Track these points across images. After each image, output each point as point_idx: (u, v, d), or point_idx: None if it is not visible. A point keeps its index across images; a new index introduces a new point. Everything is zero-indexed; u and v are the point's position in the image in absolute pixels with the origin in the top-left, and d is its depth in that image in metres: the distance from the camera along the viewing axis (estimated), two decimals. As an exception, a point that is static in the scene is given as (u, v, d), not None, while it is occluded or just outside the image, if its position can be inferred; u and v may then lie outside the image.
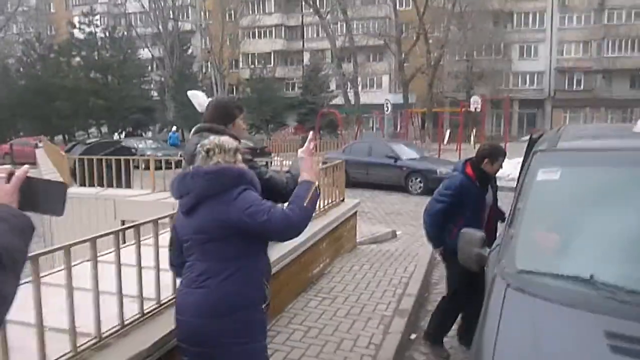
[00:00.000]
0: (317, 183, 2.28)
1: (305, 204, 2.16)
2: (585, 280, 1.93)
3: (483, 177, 3.68)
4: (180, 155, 7.19)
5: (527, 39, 40.30)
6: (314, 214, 5.63)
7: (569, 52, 40.41)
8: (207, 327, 2.15)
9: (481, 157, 3.66)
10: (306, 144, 2.74)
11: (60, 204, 1.07)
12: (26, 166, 1.11)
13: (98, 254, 3.00)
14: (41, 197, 1.06)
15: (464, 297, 3.81)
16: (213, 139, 2.24)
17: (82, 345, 2.44)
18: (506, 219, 2.78)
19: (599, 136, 3.07)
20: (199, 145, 2.24)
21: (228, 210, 2.09)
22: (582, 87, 39.72)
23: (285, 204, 2.22)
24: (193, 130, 2.73)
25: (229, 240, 2.13)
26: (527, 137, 3.33)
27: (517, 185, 2.72)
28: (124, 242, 3.53)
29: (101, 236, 2.59)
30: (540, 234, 2.37)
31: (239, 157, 2.26)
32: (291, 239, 2.26)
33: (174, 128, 29.86)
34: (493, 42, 38.44)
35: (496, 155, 3.66)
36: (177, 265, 2.41)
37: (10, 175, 1.03)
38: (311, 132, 2.97)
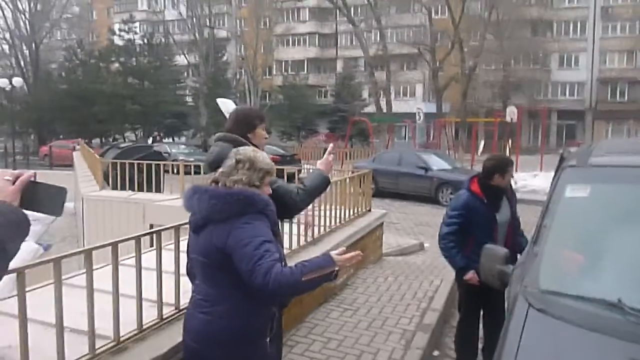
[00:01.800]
0: (337, 269, 1.95)
1: (304, 278, 1.89)
2: (612, 304, 1.83)
3: (492, 192, 3.49)
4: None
5: (567, 48, 39.36)
6: (335, 225, 5.50)
7: (612, 62, 39.27)
8: (204, 355, 2.08)
9: (490, 172, 3.47)
10: (325, 156, 2.72)
11: (59, 206, 1.23)
12: (31, 171, 1.22)
13: (121, 258, 3.05)
14: (42, 199, 1.21)
15: (476, 317, 3.71)
16: (250, 151, 2.15)
17: (100, 347, 2.47)
18: (532, 236, 2.68)
19: (634, 151, 2.93)
20: (233, 150, 2.18)
21: (226, 238, 1.99)
22: (626, 98, 38.44)
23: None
24: (214, 139, 2.74)
25: (230, 268, 1.99)
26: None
27: (545, 202, 2.62)
28: (152, 246, 3.58)
29: (122, 241, 2.63)
30: (566, 253, 2.27)
31: (268, 179, 2.16)
32: (267, 295, 2.03)
33: None
34: (531, 51, 37.66)
35: (505, 166, 3.49)
36: (191, 275, 2.40)
37: (17, 178, 1.21)
38: (331, 145, 2.94)
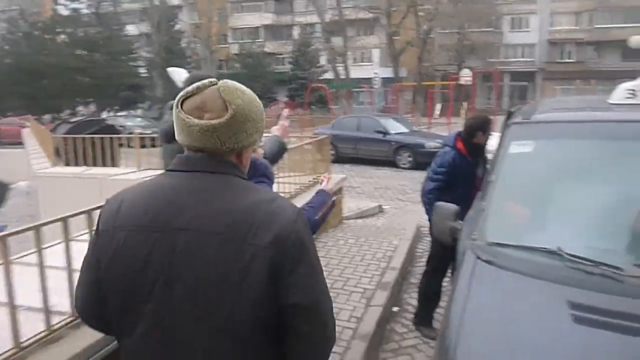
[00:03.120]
0: (334, 199, 2.16)
1: (317, 216, 2.07)
2: (552, 252, 1.94)
3: (474, 150, 3.64)
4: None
5: (518, 10, 39.96)
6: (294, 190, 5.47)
7: (560, 24, 40.17)
8: None
9: (473, 130, 3.60)
10: (280, 122, 2.71)
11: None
12: None
13: (76, 233, 2.98)
14: None
15: (444, 270, 3.83)
16: None
17: (56, 323, 2.45)
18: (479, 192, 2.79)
19: (575, 108, 3.06)
20: None
21: None
22: (573, 59, 39.59)
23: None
24: (168, 106, 2.68)
25: None
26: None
27: (492, 158, 2.72)
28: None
29: (72, 216, 2.57)
30: (511, 207, 2.38)
31: (259, 151, 2.17)
32: None
33: None
34: (484, 14, 37.99)
35: (486, 125, 3.63)
36: None
37: None
38: (285, 110, 2.93)
